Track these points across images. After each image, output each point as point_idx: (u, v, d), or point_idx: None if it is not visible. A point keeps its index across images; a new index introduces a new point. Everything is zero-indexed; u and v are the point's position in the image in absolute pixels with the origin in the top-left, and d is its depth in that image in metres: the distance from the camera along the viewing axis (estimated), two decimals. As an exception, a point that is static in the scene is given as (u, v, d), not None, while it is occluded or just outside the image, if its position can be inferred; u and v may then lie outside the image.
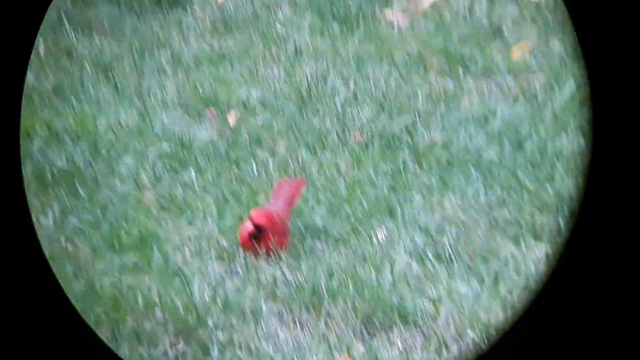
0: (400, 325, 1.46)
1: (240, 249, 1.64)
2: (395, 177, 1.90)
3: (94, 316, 1.44)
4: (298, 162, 1.95)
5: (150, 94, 2.23)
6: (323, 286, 1.52)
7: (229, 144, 2.01)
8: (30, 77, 2.25)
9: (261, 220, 1.59)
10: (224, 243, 1.67)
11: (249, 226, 1.60)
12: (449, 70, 2.37)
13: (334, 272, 1.57)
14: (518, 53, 2.49)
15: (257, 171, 1.92)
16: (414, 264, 1.61)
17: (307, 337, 1.44)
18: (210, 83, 2.27)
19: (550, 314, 0.59)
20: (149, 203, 1.80)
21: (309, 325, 1.47)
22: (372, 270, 1.57)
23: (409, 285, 1.54)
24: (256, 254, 1.62)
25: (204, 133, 2.06)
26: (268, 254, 1.62)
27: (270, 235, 1.60)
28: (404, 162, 1.96)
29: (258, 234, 1.59)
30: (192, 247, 1.66)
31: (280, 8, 2.72)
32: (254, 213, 1.62)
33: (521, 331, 0.59)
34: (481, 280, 1.58)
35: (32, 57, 2.37)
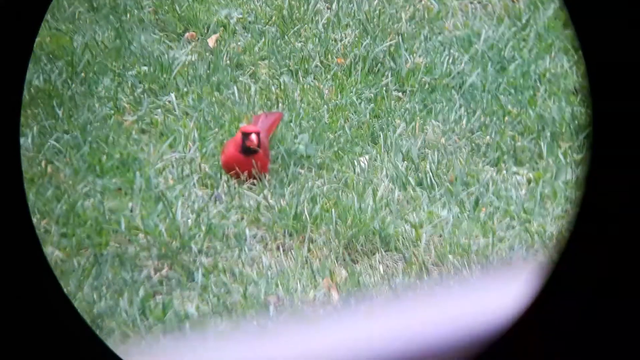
0: (382, 250, 1.49)
1: (223, 175, 1.64)
2: (377, 102, 1.89)
3: (76, 239, 1.44)
4: (280, 87, 1.93)
5: (127, 12, 2.16)
6: (306, 212, 1.53)
7: (210, 67, 1.97)
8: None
9: (250, 128, 1.60)
10: (206, 168, 1.66)
11: (252, 136, 1.58)
12: (433, -9, 2.32)
13: (317, 198, 1.58)
14: (504, -28, 2.43)
15: (238, 96, 1.89)
16: (396, 190, 1.62)
17: (290, 262, 1.46)
18: (189, 2, 2.20)
19: (550, 315, 0.60)
20: (129, 126, 1.78)
21: (292, 250, 1.49)
22: (355, 196, 1.58)
23: (391, 211, 1.56)
24: (238, 179, 1.62)
25: (183, 55, 2.01)
26: (250, 178, 1.62)
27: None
28: (387, 87, 1.94)
29: (256, 148, 1.58)
30: (174, 172, 1.65)
31: None
32: (249, 127, 1.62)
33: (522, 331, 0.60)
34: (462, 205, 1.60)
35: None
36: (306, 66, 2.00)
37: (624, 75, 0.59)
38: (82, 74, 1.92)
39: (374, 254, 1.49)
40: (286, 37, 2.10)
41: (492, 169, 1.71)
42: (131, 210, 1.53)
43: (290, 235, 1.52)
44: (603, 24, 0.58)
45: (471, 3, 2.29)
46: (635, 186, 0.59)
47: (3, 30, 0.57)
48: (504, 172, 1.69)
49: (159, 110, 1.84)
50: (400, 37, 2.11)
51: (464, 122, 1.84)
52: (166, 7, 2.19)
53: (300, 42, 2.09)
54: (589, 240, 0.61)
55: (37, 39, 2.01)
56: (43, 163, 1.62)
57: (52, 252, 1.41)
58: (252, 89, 1.92)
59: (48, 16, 2.12)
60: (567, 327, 0.61)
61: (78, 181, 1.59)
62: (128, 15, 2.15)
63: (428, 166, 1.69)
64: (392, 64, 2.03)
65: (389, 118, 1.84)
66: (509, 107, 1.88)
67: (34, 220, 1.45)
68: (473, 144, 1.78)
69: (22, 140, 1.69)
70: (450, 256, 1.46)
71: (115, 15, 2.15)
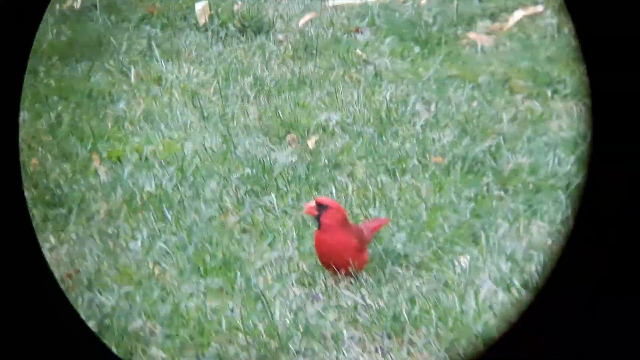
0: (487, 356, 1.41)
1: (321, 274, 1.64)
2: (478, 202, 1.86)
3: (179, 340, 1.47)
4: (377, 186, 1.94)
5: (234, 119, 2.29)
6: (404, 312, 1.50)
7: (309, 168, 2.03)
8: (121, 105, 2.35)
9: (324, 200, 1.62)
10: (305, 267, 1.67)
11: (310, 203, 1.62)
12: (536, 93, 2.31)
13: (416, 298, 1.54)
14: (609, 72, 2.39)
15: (336, 195, 1.92)
16: (500, 292, 1.56)
17: (389, 365, 1.42)
18: (291, 108, 2.30)
19: (551, 314, 0.57)
20: (232, 226, 1.84)
21: (391, 352, 1.45)
22: (456, 297, 1.53)
23: (495, 313, 1.50)
24: (335, 276, 1.62)
25: (284, 157, 2.08)
26: (347, 275, 1.61)
27: (336, 218, 1.59)
28: (488, 187, 1.92)
29: (320, 212, 1.60)
30: (273, 271, 1.67)
31: (361, 32, 2.74)
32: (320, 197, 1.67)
33: (523, 332, 0.57)
34: (571, 310, 1.51)
35: (124, 85, 2.49)
36: (404, 165, 2.01)
37: (624, 74, 0.56)
38: (191, 179, 2.02)
39: (478, 359, 1.41)
40: (384, 137, 2.14)
41: (604, 270, 1.61)
42: (232, 310, 1.55)
43: (389, 337, 1.48)
44: (606, 26, 0.56)
45: (576, 105, 2.26)
46: (634, 188, 0.55)
47: (3, 30, 0.60)
48: (617, 273, 1.59)
49: (260, 210, 1.89)
50: (501, 137, 2.10)
51: (572, 223, 1.77)
52: (270, 113, 2.29)
53: (397, 141, 2.12)
54: (588, 240, 0.58)
55: (151, 148, 2.15)
56: (151, 265, 1.69)
57: (156, 354, 1.44)
58: (350, 188, 1.95)
59: (162, 125, 2.27)
60: (567, 325, 0.56)
61: (183, 282, 1.63)
62: (235, 121, 2.27)
63: (534, 268, 1.62)
64: (493, 163, 2.01)
65: (491, 218, 1.80)
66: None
67: (139, 323, 1.50)
68: (582, 244, 1.70)
69: (132, 243, 1.77)
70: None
71: (223, 123, 2.27)
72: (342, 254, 1.60)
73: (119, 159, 2.10)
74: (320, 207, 1.61)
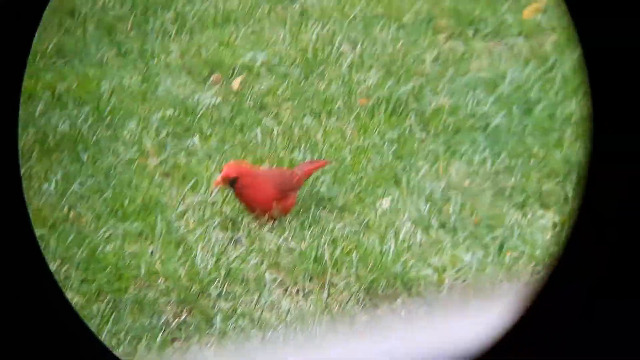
0: (404, 295, 1.46)
1: (245, 218, 1.63)
2: (400, 143, 1.88)
3: (96, 285, 1.44)
4: (303, 128, 1.93)
5: (155, 57, 2.20)
6: (326, 255, 1.51)
7: (234, 109, 1.99)
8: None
9: (229, 172, 1.60)
10: (228, 211, 1.66)
11: (217, 179, 1.62)
12: (458, 32, 2.32)
13: (338, 241, 1.56)
14: (530, 13, 2.42)
15: (261, 137, 1.90)
16: (418, 233, 1.59)
17: (310, 306, 1.44)
18: (215, 46, 2.24)
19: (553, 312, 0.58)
20: (152, 169, 1.79)
21: (311, 294, 1.47)
22: (376, 239, 1.56)
23: (413, 254, 1.54)
24: (260, 222, 1.61)
25: (208, 98, 2.03)
26: (270, 220, 1.61)
27: (248, 182, 1.59)
28: (410, 128, 1.93)
29: (231, 183, 1.60)
30: (195, 215, 1.65)
31: (287, -33, 2.66)
32: (226, 165, 1.64)
33: (523, 330, 0.58)
34: (486, 249, 1.56)
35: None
36: (329, 107, 2.00)
37: (623, 71, 0.57)
38: (108, 119, 1.94)
39: (396, 298, 1.46)
40: (310, 78, 2.11)
41: (518, 212, 1.67)
42: (151, 254, 1.52)
43: (311, 279, 1.50)
44: (602, 18, 0.56)
45: (496, 45, 2.29)
46: (633, 189, 0.57)
47: (2, 30, 0.57)
48: (530, 215, 1.66)
49: (182, 153, 1.85)
50: (424, 78, 2.11)
51: (489, 164, 1.81)
52: (192, 52, 2.22)
53: (323, 83, 2.10)
54: (587, 241, 0.59)
55: (65, 85, 2.05)
56: (65, 208, 1.63)
57: (72, 298, 1.41)
58: (275, 130, 1.92)
59: (76, 61, 2.16)
60: (566, 326, 0.59)
61: (100, 226, 1.59)
62: (155, 60, 2.19)
63: (451, 209, 1.66)
64: (415, 105, 2.02)
65: (412, 159, 1.82)
66: (535, 149, 1.85)
67: (53, 267, 1.46)
68: (498, 187, 1.75)
69: (45, 185, 1.71)
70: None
71: (142, 60, 2.19)
72: (263, 207, 1.60)
73: (29, 96, 2.00)
74: (229, 180, 1.59)
